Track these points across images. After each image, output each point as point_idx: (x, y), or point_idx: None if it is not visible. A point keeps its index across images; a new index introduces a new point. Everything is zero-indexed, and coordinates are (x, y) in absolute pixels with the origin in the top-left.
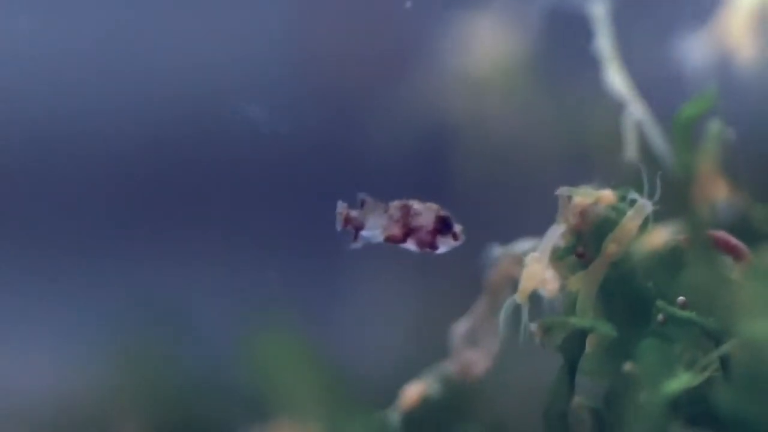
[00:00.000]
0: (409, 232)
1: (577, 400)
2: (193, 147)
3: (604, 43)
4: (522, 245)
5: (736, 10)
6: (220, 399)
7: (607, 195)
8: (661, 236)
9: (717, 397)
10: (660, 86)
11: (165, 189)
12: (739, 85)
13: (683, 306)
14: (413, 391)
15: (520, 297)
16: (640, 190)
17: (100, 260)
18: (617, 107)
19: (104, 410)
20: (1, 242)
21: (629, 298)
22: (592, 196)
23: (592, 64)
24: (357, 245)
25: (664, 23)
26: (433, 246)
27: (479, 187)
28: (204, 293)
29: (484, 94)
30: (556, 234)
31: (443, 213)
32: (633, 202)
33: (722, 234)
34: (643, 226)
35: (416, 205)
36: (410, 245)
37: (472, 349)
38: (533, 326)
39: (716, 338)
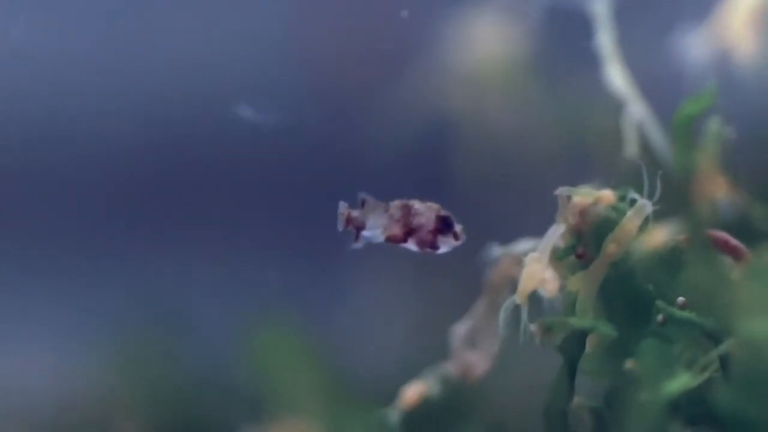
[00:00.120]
0: (409, 231)
1: (577, 400)
2: (193, 146)
3: (605, 41)
4: (522, 245)
5: (736, 7)
6: (220, 398)
7: (607, 195)
8: (660, 236)
9: (717, 397)
10: (660, 84)
11: (165, 189)
12: (739, 83)
13: (683, 306)
14: (413, 392)
15: (519, 297)
16: (640, 189)
17: (100, 260)
18: (617, 106)
19: (104, 410)
20: (1, 242)
21: (629, 298)
22: (592, 196)
23: (592, 63)
24: (358, 245)
25: (663, 21)
26: (434, 246)
27: (479, 187)
28: (204, 293)
29: (484, 92)
30: (556, 234)
31: (444, 213)
32: (633, 202)
33: (722, 234)
34: (643, 226)
35: (417, 204)
36: (411, 245)
37: (472, 350)
38: (533, 326)
39: (716, 338)
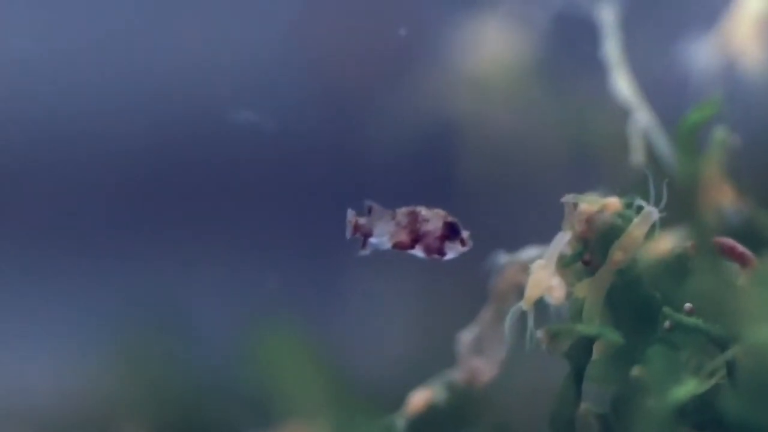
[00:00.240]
0: (417, 238)
1: (585, 406)
2: (194, 147)
3: (611, 48)
4: (528, 252)
5: (743, 15)
6: (223, 400)
7: (613, 202)
8: (667, 243)
9: (723, 403)
10: (666, 92)
11: (167, 189)
12: (745, 91)
13: (690, 313)
14: (419, 398)
15: (525, 304)
16: (646, 196)
17: (101, 260)
18: (623, 113)
19: (105, 410)
20: (1, 242)
21: (636, 305)
22: (598, 204)
23: (598, 70)
24: (365, 252)
25: (670, 29)
26: (441, 252)
27: (485, 193)
28: (206, 293)
29: (490, 98)
30: (563, 241)
31: (451, 219)
32: (639, 209)
33: (728, 241)
34: (650, 234)
35: (424, 211)
36: (418, 252)
37: (479, 357)
38: (539, 333)
39: (722, 345)
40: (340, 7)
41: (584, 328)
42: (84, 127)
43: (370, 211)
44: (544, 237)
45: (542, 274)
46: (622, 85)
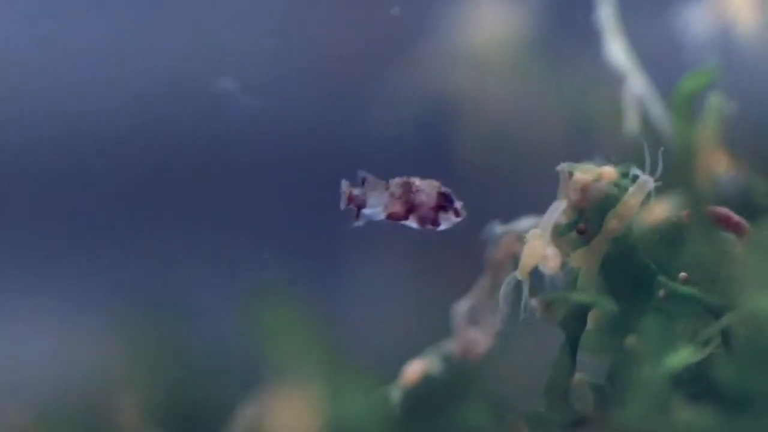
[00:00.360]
0: (410, 209)
1: (579, 376)
2: (193, 127)
3: (606, 15)
4: (523, 222)
5: None
6: (220, 377)
7: (609, 171)
8: (661, 211)
9: (719, 371)
10: (661, 59)
11: (163, 170)
12: (741, 58)
13: (685, 281)
14: (415, 369)
15: (520, 273)
16: (641, 165)
17: (95, 241)
18: (619, 82)
19: (104, 390)
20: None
21: (631, 273)
22: (594, 173)
23: (593, 38)
24: (359, 224)
25: None
26: (435, 223)
27: (480, 165)
28: (201, 269)
29: (484, 70)
30: (558, 210)
31: (444, 189)
32: (635, 178)
33: (724, 210)
34: (645, 202)
35: (417, 182)
36: (412, 222)
37: (474, 328)
38: (534, 302)
39: (718, 313)
40: None
41: (579, 297)
42: (82, 110)
43: (363, 182)
44: (540, 207)
45: (537, 243)
46: (617, 52)
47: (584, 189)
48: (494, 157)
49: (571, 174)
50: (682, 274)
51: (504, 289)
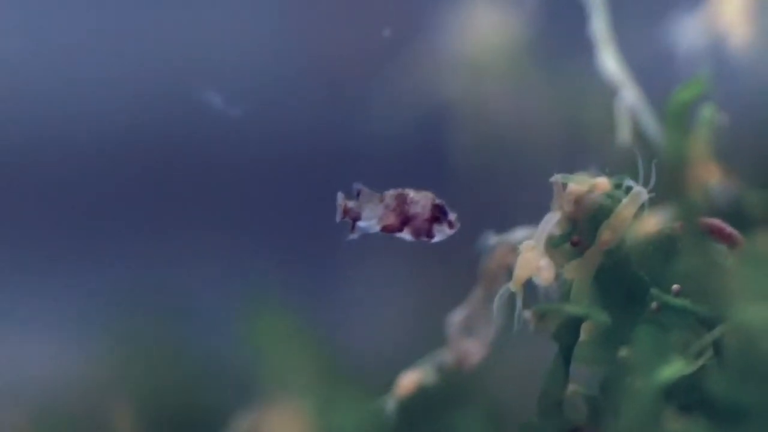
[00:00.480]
0: (405, 221)
1: (572, 387)
2: (191, 133)
3: (599, 27)
4: (517, 233)
5: None
6: (216, 384)
7: (602, 182)
8: (654, 223)
9: (711, 383)
10: (654, 70)
11: (161, 174)
12: (733, 69)
13: (677, 293)
14: (409, 380)
15: (514, 285)
16: (635, 176)
17: (97, 244)
18: (612, 92)
19: (100, 395)
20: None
21: (624, 285)
22: (587, 184)
23: (586, 48)
24: (354, 236)
25: (657, 6)
26: (429, 235)
27: (474, 174)
28: (198, 277)
29: (478, 78)
30: (551, 222)
31: (438, 201)
32: (629, 189)
33: (716, 221)
34: (639, 214)
35: (411, 193)
36: (406, 234)
37: (469, 338)
38: (528, 313)
39: (710, 325)
40: None
41: (572, 309)
42: (80, 111)
43: (358, 194)
44: (534, 218)
45: (531, 255)
46: (610, 63)
47: (578, 200)
48: (488, 166)
49: (564, 185)
50: (675, 286)
51: (498, 300)
